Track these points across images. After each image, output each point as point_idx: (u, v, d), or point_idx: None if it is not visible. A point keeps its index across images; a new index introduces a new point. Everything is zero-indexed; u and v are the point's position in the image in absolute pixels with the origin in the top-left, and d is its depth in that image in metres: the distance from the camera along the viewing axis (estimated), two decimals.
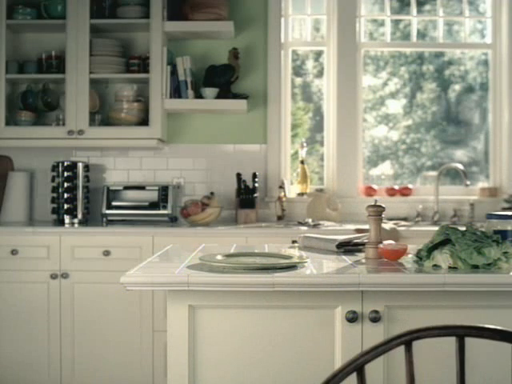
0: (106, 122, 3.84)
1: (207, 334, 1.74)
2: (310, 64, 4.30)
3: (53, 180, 3.74)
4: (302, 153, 4.05)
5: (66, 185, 3.70)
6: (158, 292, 3.32)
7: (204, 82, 3.85)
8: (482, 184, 4.20)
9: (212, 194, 3.82)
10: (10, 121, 3.78)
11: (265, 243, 2.61)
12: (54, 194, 3.73)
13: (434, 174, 4.15)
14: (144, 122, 3.77)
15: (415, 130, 4.26)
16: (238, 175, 3.84)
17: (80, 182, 3.75)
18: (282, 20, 4.07)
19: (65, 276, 3.38)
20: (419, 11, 4.22)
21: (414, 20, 4.21)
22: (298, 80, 4.27)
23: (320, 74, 4.25)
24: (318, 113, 4.24)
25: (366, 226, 2.14)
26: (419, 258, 1.85)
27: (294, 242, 3.04)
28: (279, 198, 3.90)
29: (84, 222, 3.75)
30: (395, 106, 4.31)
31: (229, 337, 1.75)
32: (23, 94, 3.85)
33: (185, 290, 1.67)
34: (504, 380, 1.72)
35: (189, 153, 4.02)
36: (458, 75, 4.29)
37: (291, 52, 4.20)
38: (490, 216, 2.03)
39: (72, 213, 3.71)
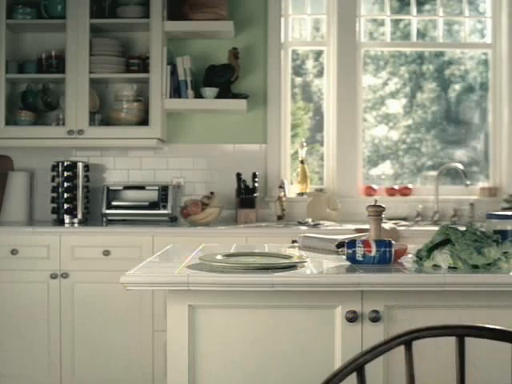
0: (106, 121, 3.84)
1: (207, 334, 1.74)
2: (309, 64, 4.30)
3: (53, 180, 3.74)
4: (302, 153, 4.05)
5: (65, 185, 3.70)
6: (157, 292, 3.32)
7: (204, 82, 3.85)
8: (482, 184, 4.20)
9: (212, 193, 3.81)
10: (10, 121, 3.78)
11: (265, 243, 2.60)
12: (54, 194, 3.73)
13: (433, 173, 4.15)
14: (144, 121, 3.77)
15: (415, 130, 4.26)
16: (238, 175, 3.83)
17: (80, 181, 3.74)
18: (282, 20, 4.07)
19: (65, 276, 3.38)
20: (419, 11, 4.22)
21: (413, 20, 4.21)
22: (298, 80, 4.27)
23: (320, 74, 4.25)
24: (318, 113, 4.24)
25: (366, 226, 2.13)
26: (419, 257, 1.85)
27: (293, 241, 3.04)
28: (279, 198, 3.90)
29: (84, 222, 3.75)
30: (395, 106, 4.31)
31: (229, 337, 1.75)
32: (23, 93, 3.85)
33: (185, 289, 1.67)
34: (504, 380, 1.72)
35: (189, 153, 4.02)
36: (458, 75, 4.29)
37: (291, 52, 4.20)
38: (490, 216, 2.03)
39: (72, 213, 3.71)
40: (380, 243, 1.82)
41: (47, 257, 3.39)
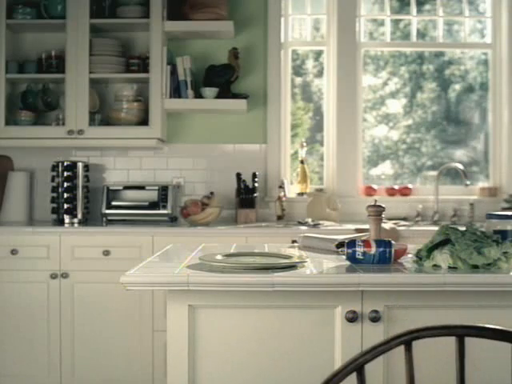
0: (106, 121, 3.84)
1: (207, 334, 1.74)
2: (309, 64, 4.30)
3: (53, 180, 3.74)
4: (302, 153, 4.05)
5: (65, 185, 3.70)
6: (157, 292, 3.32)
7: (204, 82, 3.85)
8: (482, 184, 4.20)
9: (212, 193, 3.81)
10: (10, 121, 3.78)
11: (265, 243, 2.60)
12: (54, 194, 3.73)
13: (434, 173, 4.15)
14: (144, 121, 3.77)
15: (415, 130, 4.26)
16: (238, 175, 3.83)
17: (80, 181, 3.74)
18: (282, 20, 4.07)
19: (65, 276, 3.38)
20: (419, 11, 4.22)
21: (413, 20, 4.21)
22: (298, 80, 4.27)
23: (320, 74, 4.25)
24: (318, 112, 4.24)
25: (366, 226, 2.13)
26: (419, 258, 1.85)
27: (293, 241, 3.04)
28: (279, 198, 3.90)
29: (84, 222, 3.75)
30: (395, 106, 4.31)
31: (228, 337, 1.75)
32: (23, 93, 3.85)
33: (185, 289, 1.67)
34: (504, 380, 1.72)
35: (189, 153, 4.02)
36: (458, 75, 4.29)
37: (291, 52, 4.20)
38: (490, 216, 2.03)
39: (72, 213, 3.71)
40: (380, 243, 1.82)
41: (47, 257, 3.39)
